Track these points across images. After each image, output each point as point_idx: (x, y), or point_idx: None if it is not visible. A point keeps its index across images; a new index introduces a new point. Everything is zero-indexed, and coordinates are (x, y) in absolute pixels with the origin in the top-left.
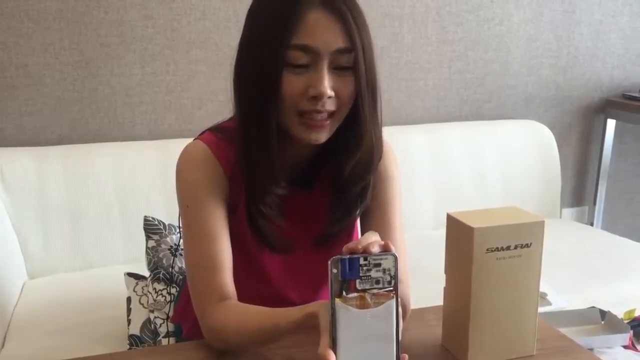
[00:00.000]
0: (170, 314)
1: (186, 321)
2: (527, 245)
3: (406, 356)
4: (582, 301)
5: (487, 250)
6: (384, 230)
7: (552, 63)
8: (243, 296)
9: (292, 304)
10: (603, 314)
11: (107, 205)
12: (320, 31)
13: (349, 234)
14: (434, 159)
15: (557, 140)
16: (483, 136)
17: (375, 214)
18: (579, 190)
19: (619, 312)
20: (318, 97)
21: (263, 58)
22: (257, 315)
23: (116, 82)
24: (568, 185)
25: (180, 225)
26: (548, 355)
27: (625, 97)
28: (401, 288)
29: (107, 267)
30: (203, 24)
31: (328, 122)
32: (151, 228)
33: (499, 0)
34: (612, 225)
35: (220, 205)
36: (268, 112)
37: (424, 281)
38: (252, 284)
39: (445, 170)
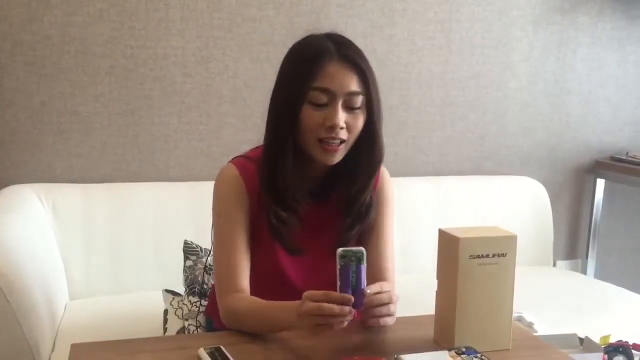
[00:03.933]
0: (202, 321)
1: (214, 314)
2: (503, 255)
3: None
4: (566, 331)
5: (470, 256)
6: (380, 239)
7: (545, 127)
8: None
9: None
10: (582, 340)
11: (143, 237)
12: (337, 78)
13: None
14: (436, 208)
15: (550, 197)
16: (482, 190)
17: (374, 227)
18: (572, 244)
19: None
20: (333, 128)
21: (290, 96)
22: (265, 301)
23: (156, 130)
24: (562, 239)
25: (213, 230)
26: (521, 349)
27: (613, 159)
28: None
29: (141, 292)
30: (234, 82)
31: (340, 147)
32: (190, 250)
33: (497, 69)
34: (603, 279)
35: (243, 217)
36: (289, 137)
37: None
38: (276, 289)
39: (447, 219)
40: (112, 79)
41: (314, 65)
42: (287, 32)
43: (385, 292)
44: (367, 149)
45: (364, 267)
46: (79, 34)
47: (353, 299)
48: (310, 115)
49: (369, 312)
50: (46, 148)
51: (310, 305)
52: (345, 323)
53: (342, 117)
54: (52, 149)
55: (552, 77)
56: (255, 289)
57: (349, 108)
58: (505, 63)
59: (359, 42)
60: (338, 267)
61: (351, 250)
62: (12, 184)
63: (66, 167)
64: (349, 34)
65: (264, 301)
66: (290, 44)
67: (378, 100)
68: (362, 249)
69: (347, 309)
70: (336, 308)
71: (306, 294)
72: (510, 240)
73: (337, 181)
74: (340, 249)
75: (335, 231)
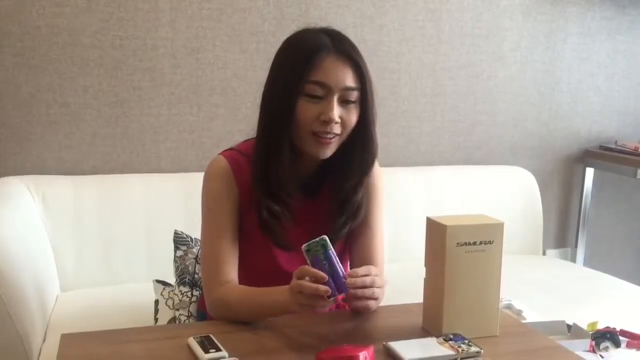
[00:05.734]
0: (193, 311)
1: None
2: (490, 242)
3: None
4: (555, 319)
5: (458, 244)
6: (369, 230)
7: (535, 116)
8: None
9: None
10: (569, 327)
11: (134, 228)
12: (334, 72)
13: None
14: (427, 198)
15: (540, 186)
16: (472, 179)
17: (364, 218)
18: (561, 233)
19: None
20: (328, 122)
21: (285, 89)
22: (257, 288)
23: (146, 121)
24: (552, 228)
25: (201, 221)
26: (509, 336)
27: (602, 148)
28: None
29: (133, 284)
30: (224, 72)
31: (333, 140)
32: (180, 240)
33: (487, 59)
34: (592, 267)
35: (232, 209)
36: (284, 131)
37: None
38: (273, 284)
39: (438, 209)
40: (101, 70)
41: (311, 58)
42: (277, 22)
43: (372, 275)
44: (361, 146)
45: (332, 252)
46: (67, 25)
47: (330, 290)
48: (305, 108)
49: (352, 293)
50: (35, 140)
51: (295, 281)
52: (326, 307)
53: (337, 111)
54: (41, 140)
55: (542, 67)
56: (253, 285)
57: (344, 102)
58: (495, 53)
59: (349, 33)
60: (308, 262)
61: (314, 242)
62: (2, 176)
63: (56, 159)
64: (339, 25)
65: (255, 288)
66: (280, 35)
67: (372, 97)
68: (323, 237)
69: (322, 288)
70: (321, 289)
71: (296, 271)
72: (497, 227)
73: (329, 177)
74: (304, 246)
75: (326, 227)
